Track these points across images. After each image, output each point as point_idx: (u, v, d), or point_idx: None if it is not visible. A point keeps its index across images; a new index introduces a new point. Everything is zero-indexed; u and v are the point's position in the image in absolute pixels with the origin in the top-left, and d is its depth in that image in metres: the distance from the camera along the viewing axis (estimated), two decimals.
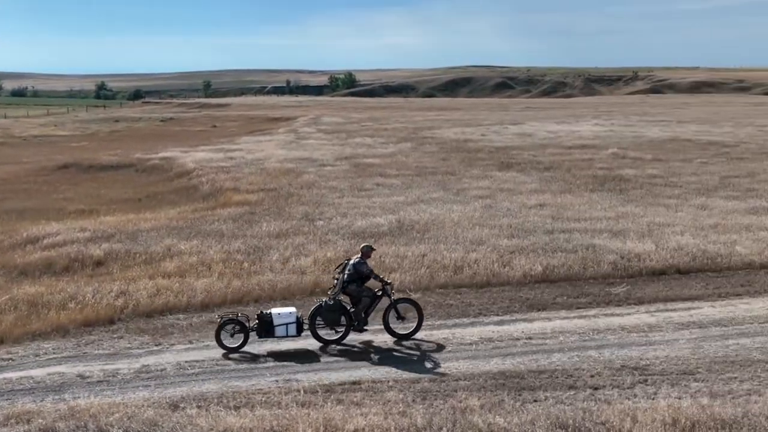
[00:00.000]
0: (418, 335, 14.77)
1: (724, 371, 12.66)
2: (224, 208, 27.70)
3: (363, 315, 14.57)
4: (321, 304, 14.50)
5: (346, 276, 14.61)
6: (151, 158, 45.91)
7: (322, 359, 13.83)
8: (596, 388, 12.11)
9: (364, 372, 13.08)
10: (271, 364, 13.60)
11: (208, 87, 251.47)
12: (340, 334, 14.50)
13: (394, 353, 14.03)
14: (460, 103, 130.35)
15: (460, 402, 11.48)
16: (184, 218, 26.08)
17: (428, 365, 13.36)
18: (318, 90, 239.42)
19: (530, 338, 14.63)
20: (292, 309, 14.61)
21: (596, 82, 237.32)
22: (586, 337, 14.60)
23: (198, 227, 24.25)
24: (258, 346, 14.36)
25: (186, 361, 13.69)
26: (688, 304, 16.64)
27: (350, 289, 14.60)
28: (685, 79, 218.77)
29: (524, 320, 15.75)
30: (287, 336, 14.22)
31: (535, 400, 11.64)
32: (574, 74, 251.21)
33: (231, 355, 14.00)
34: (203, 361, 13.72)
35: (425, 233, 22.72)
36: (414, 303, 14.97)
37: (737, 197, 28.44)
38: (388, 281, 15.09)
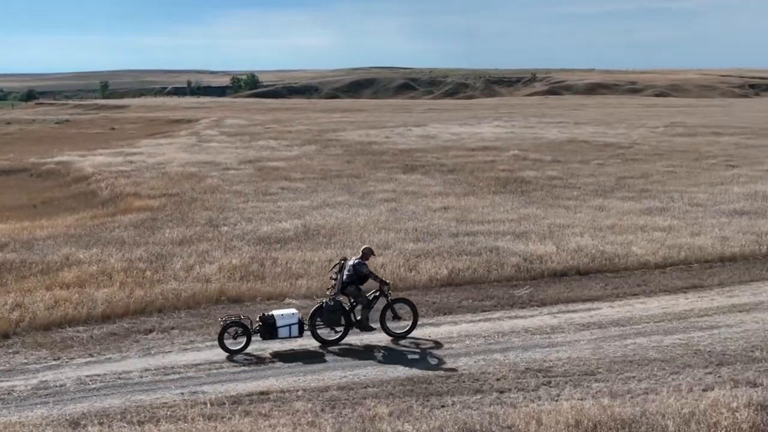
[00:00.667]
0: (414, 333, 15.08)
1: (623, 371, 13.05)
2: (125, 214, 27.04)
3: (368, 316, 14.87)
4: (321, 305, 14.75)
5: (345, 277, 14.82)
6: (46, 162, 44.46)
7: (229, 369, 13.62)
8: (502, 392, 12.31)
9: (272, 382, 12.95)
10: (176, 376, 13.32)
11: (106, 88, 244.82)
12: (339, 335, 14.77)
13: (301, 361, 13.94)
14: (364, 104, 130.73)
15: (369, 410, 11.49)
16: (82, 225, 25.33)
17: (336, 373, 13.32)
18: (220, 91, 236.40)
19: (437, 342, 14.77)
20: (294, 310, 14.87)
21: (496, 84, 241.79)
22: (492, 341, 14.83)
23: (98, 235, 23.59)
24: (162, 358, 14.06)
25: (87, 376, 13.28)
26: (588, 305, 17.09)
27: (349, 290, 14.83)
28: (581, 81, 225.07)
29: (431, 324, 15.88)
30: (290, 337, 14.45)
31: (443, 406, 11.76)
32: (475, 75, 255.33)
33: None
34: (105, 375, 13.33)
35: (332, 238, 22.70)
36: (409, 302, 15.37)
37: (632, 198, 29.39)
38: (387, 281, 15.39)
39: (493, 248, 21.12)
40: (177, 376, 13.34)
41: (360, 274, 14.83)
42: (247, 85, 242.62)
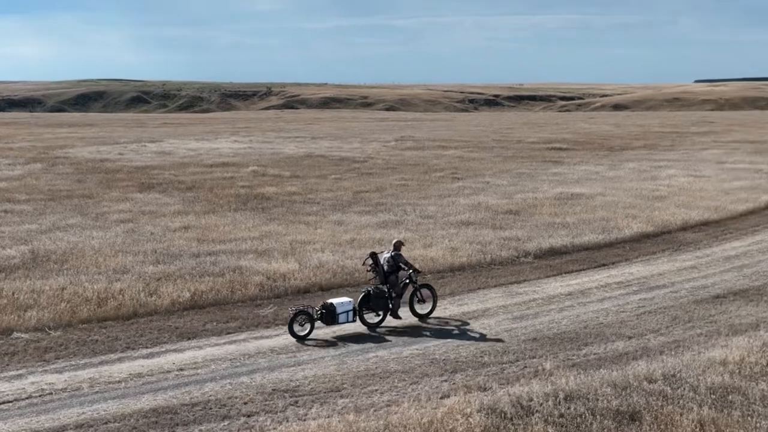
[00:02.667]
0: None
1: (367, 385, 13.52)
2: None
3: (399, 304, 17.16)
4: (369, 292, 16.89)
5: (386, 267, 17.27)
6: None
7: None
8: (250, 416, 12.29)
9: None
10: None
11: None
12: (380, 318, 16.97)
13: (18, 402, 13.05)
14: (94, 118, 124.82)
15: None
16: None
17: (73, 410, 12.59)
18: None
19: (182, 369, 14.44)
20: (350, 299, 16.91)
21: (232, 97, 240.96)
22: (238, 363, 14.75)
23: None
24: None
25: None
26: None
27: (391, 279, 17.21)
28: (315, 95, 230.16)
29: (175, 351, 15.50)
30: (348, 322, 16.49)
31: None
32: (210, 89, 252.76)
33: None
34: None
35: (64, 264, 21.48)
36: (430, 287, 17.93)
37: (369, 212, 30.49)
38: (419, 270, 18.00)
39: (236, 268, 21.03)
40: None
41: (398, 264, 17.28)
42: None
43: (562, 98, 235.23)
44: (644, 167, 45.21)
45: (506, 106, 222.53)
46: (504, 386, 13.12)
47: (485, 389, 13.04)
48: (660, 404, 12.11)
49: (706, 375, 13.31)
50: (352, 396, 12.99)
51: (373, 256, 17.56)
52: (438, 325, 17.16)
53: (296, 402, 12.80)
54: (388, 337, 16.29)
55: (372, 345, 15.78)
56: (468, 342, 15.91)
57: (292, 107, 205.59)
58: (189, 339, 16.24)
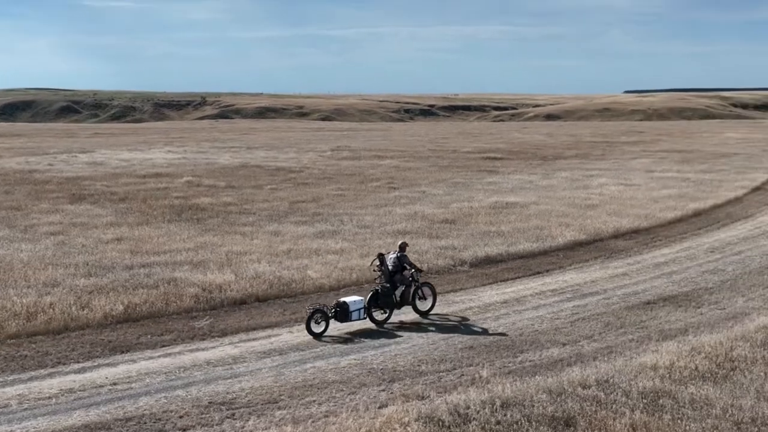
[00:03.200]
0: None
1: (304, 396, 13.46)
2: None
3: (410, 293, 18.38)
4: (377, 291, 17.98)
5: (391, 267, 18.33)
6: None
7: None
8: (185, 429, 12.13)
9: None
10: None
11: None
12: (387, 315, 18.02)
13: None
14: (22, 128, 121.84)
15: None
16: None
17: (0, 429, 12.26)
18: None
19: (115, 384, 14.16)
20: (361, 297, 17.91)
21: (166, 107, 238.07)
22: (173, 376, 14.53)
23: None
24: None
25: None
26: (269, 331, 17.38)
27: (397, 277, 18.27)
28: (250, 105, 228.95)
29: (108, 365, 15.20)
30: (359, 319, 17.49)
31: None
32: (143, 98, 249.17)
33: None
34: None
35: None
36: (430, 285, 19.12)
37: (306, 222, 30.39)
38: (422, 269, 19.35)
39: (171, 279, 20.74)
40: None
41: (403, 264, 18.41)
42: None
43: (496, 108, 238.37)
44: (576, 176, 46.04)
45: (441, 116, 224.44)
46: (441, 395, 13.21)
47: (423, 398, 13.10)
48: (594, 409, 12.32)
49: (638, 380, 13.59)
50: (290, 407, 12.92)
51: (381, 257, 18.72)
52: (376, 335, 17.18)
53: (233, 415, 12.67)
54: (326, 347, 16.24)
55: (310, 355, 15.72)
56: (405, 351, 15.97)
57: (227, 117, 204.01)
58: (122, 352, 15.95)
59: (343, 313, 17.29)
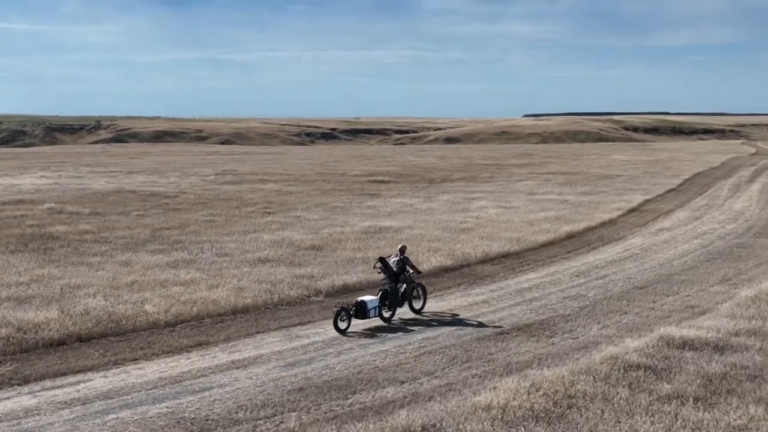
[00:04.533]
0: None
1: None
2: None
3: (402, 297, 20.09)
4: (386, 290, 19.79)
5: (396, 268, 20.03)
6: None
7: None
8: None
9: None
10: None
11: None
12: (391, 312, 19.85)
13: None
14: None
15: None
16: None
17: None
18: None
19: None
20: (374, 297, 19.62)
21: (58, 131, 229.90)
22: None
23: None
24: None
25: None
26: (80, 376, 15.65)
27: (402, 278, 20.05)
28: (147, 129, 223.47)
29: None
30: (374, 316, 19.28)
31: None
32: (34, 122, 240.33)
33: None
34: None
35: None
36: (423, 286, 21.03)
37: (163, 250, 28.60)
38: (420, 271, 21.25)
39: None
40: None
41: (405, 265, 20.17)
42: None
43: (398, 132, 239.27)
44: (458, 199, 45.48)
45: (343, 140, 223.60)
46: None
47: None
48: None
49: (467, 423, 12.50)
50: None
51: (382, 260, 20.38)
52: (200, 376, 15.64)
53: None
54: (136, 394, 14.60)
55: (117, 404, 14.07)
56: (228, 395, 14.51)
57: (122, 141, 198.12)
58: None
59: (362, 310, 19.02)
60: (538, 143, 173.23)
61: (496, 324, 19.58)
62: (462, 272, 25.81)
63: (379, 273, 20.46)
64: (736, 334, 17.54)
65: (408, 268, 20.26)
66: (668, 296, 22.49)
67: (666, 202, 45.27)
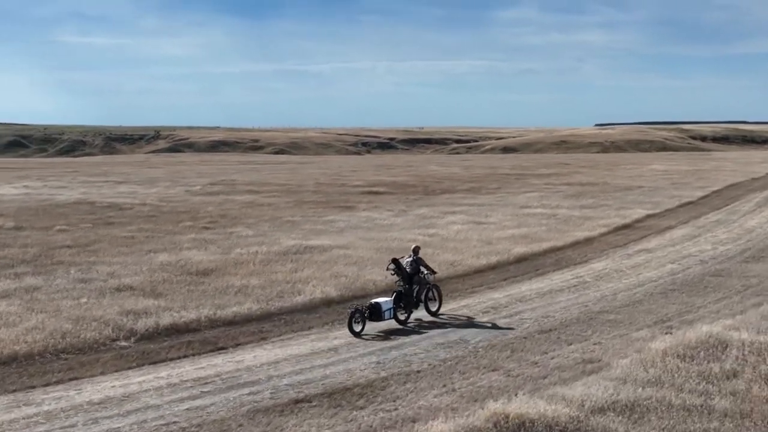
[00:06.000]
0: None
1: None
2: None
3: (416, 299, 19.46)
4: (401, 292, 19.17)
5: (409, 270, 19.52)
6: None
7: None
8: None
9: None
10: None
11: None
12: (406, 315, 19.19)
13: None
14: None
15: None
16: None
17: None
18: None
19: None
20: (388, 298, 19.04)
21: (118, 141, 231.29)
22: None
23: None
24: None
25: None
26: None
27: (415, 279, 19.44)
28: (204, 139, 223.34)
29: None
30: (389, 318, 18.77)
31: None
32: (95, 132, 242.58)
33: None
34: None
35: None
36: (438, 287, 20.13)
37: (20, 275, 24.61)
38: (435, 271, 20.42)
39: None
40: None
41: (419, 265, 19.58)
42: None
43: (458, 141, 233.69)
44: (434, 213, 40.44)
45: (400, 149, 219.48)
46: None
47: None
48: None
49: None
50: None
51: (395, 261, 19.78)
52: None
53: None
54: None
55: None
56: None
57: (178, 151, 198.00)
58: None
59: (377, 313, 18.48)
60: (598, 152, 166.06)
61: (306, 386, 14.74)
62: (338, 309, 20.77)
63: (392, 275, 19.91)
64: (603, 411, 12.41)
65: (422, 268, 19.73)
66: (571, 344, 17.26)
67: (671, 217, 39.40)
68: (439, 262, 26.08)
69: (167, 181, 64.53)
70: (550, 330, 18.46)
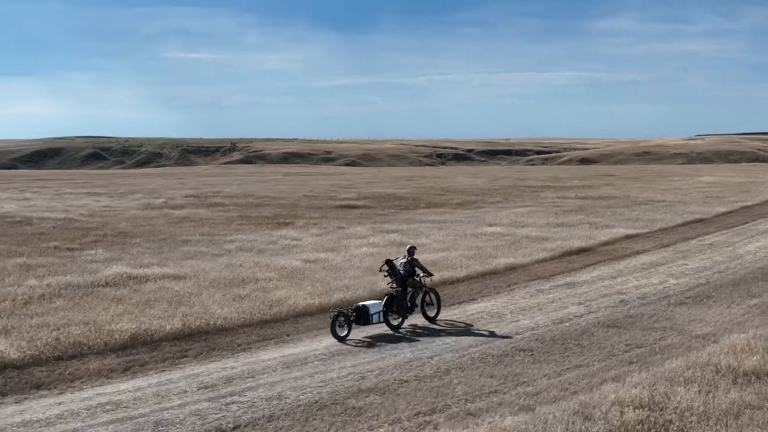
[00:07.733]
0: None
1: None
2: None
3: (411, 303, 18.20)
4: (393, 295, 17.91)
5: (403, 272, 18.30)
6: None
7: None
8: None
9: None
10: None
11: None
12: (400, 320, 17.94)
13: None
14: None
15: None
16: None
17: None
18: None
19: None
20: (379, 301, 17.88)
21: (193, 153, 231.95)
22: None
23: None
24: None
25: None
26: None
27: (409, 281, 18.26)
28: (277, 150, 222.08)
29: None
30: (379, 322, 17.55)
31: None
32: (173, 145, 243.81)
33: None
34: None
35: None
36: (436, 292, 18.93)
37: None
38: (432, 273, 19.04)
39: None
40: None
41: (414, 267, 18.39)
42: None
43: (539, 153, 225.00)
44: (369, 232, 34.00)
45: (476, 161, 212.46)
46: None
47: None
48: None
49: None
50: None
51: (389, 262, 18.37)
52: None
53: None
54: None
55: None
56: None
57: (250, 162, 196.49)
58: None
59: (364, 316, 17.31)
60: (683, 164, 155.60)
61: None
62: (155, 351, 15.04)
63: (385, 276, 18.58)
64: None
65: (418, 270, 18.41)
66: None
67: (654, 239, 32.12)
68: (270, 300, 20.10)
69: (150, 192, 60.03)
70: (238, 427, 12.19)
